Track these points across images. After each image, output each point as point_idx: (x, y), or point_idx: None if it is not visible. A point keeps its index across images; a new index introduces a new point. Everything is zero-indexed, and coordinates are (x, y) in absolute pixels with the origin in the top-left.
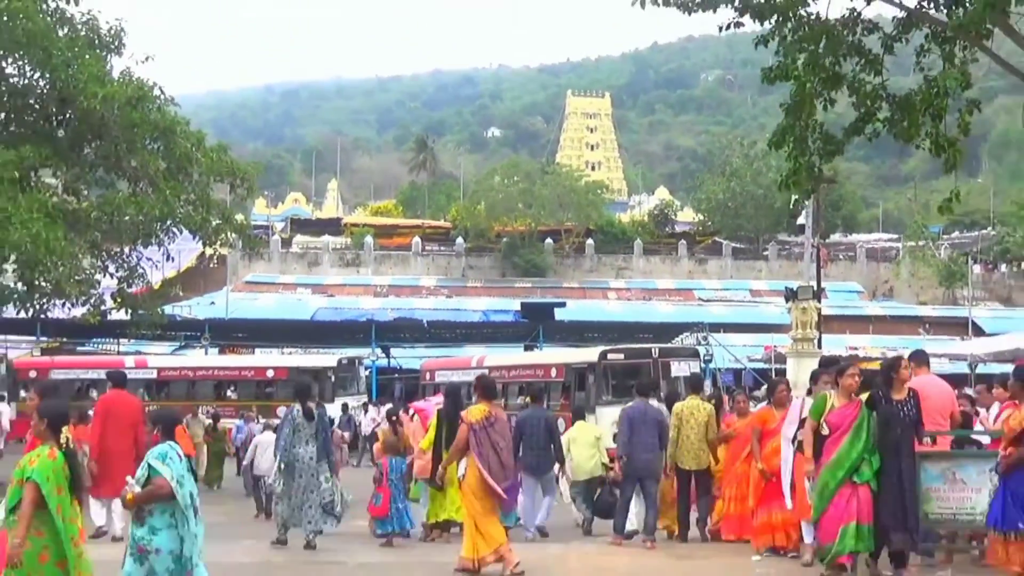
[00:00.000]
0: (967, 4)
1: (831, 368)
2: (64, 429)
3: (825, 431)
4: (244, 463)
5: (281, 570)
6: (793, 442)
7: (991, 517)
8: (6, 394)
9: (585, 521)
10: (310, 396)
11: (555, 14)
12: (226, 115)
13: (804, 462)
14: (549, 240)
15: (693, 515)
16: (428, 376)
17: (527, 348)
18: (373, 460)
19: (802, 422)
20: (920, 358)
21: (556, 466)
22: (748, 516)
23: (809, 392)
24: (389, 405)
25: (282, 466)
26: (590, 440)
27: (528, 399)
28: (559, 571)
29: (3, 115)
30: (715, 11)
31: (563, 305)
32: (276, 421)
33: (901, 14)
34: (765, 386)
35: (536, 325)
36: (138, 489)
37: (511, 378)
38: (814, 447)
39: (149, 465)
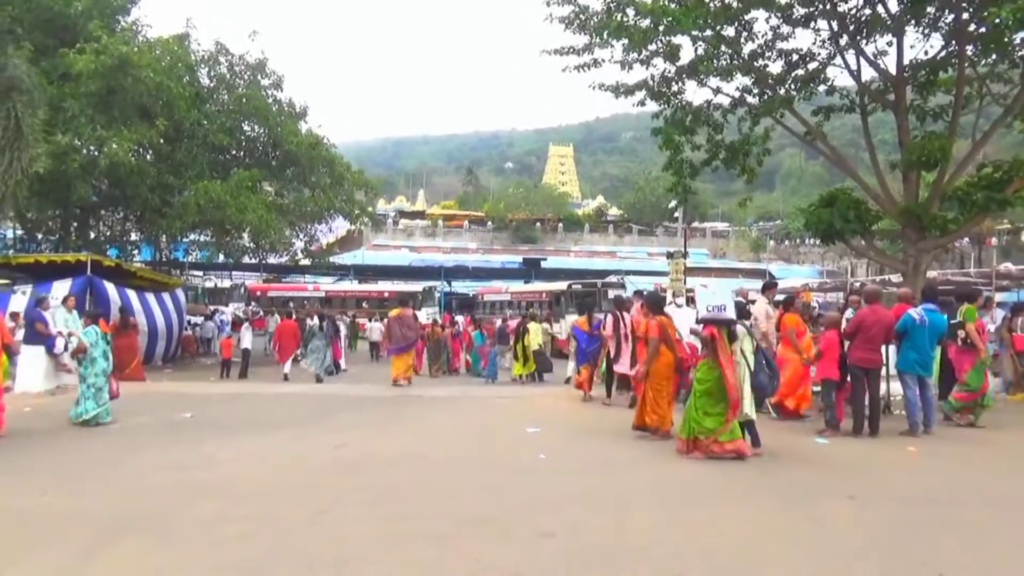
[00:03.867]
0: (768, 96)
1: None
2: None
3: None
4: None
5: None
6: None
7: None
8: (243, 303)
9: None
10: (323, 316)
11: (545, 98)
12: (363, 154)
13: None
14: (538, 224)
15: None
16: (479, 297)
17: (526, 283)
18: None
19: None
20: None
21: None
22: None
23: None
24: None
25: (307, 348)
26: (538, 331)
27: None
28: (538, 399)
29: (243, 153)
30: (632, 95)
31: (546, 260)
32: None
33: (731, 99)
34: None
35: (532, 270)
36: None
37: (519, 298)
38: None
39: (79, 337)
